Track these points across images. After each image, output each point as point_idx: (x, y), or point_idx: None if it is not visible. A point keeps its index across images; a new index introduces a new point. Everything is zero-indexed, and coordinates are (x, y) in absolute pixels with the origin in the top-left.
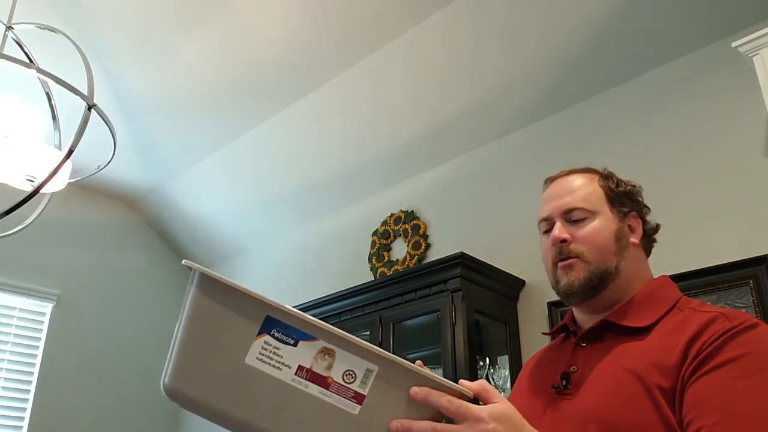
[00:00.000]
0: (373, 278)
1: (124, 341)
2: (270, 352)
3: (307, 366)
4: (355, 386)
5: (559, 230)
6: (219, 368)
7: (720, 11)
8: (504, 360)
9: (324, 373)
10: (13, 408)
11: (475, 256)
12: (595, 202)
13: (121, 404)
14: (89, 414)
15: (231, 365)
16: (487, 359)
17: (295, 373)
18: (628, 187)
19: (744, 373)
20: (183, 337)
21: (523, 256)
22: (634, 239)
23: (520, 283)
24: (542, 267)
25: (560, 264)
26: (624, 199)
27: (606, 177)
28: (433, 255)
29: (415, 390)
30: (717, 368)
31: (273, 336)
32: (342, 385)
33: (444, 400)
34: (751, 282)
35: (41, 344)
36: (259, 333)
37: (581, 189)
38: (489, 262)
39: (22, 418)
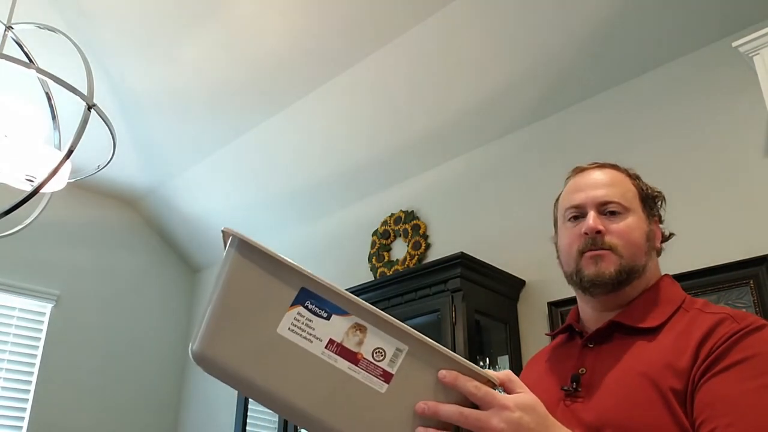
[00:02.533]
0: (373, 278)
1: (123, 341)
2: (302, 323)
3: (338, 340)
4: (383, 364)
5: (595, 221)
6: (250, 336)
7: (720, 11)
8: (504, 360)
9: (354, 349)
10: (12, 408)
11: (475, 256)
12: (631, 200)
13: (121, 404)
14: (89, 414)
15: (262, 334)
16: (487, 359)
17: (326, 347)
18: (655, 193)
19: (754, 374)
20: (217, 303)
21: (523, 256)
22: (657, 243)
23: (520, 283)
24: (542, 267)
25: (589, 253)
26: (652, 202)
27: (636, 178)
28: (433, 255)
29: (443, 373)
30: (727, 369)
31: (306, 308)
32: (371, 362)
33: (471, 386)
34: (751, 282)
35: (41, 344)
36: (293, 304)
37: (618, 185)
38: (489, 262)
39: (21, 418)
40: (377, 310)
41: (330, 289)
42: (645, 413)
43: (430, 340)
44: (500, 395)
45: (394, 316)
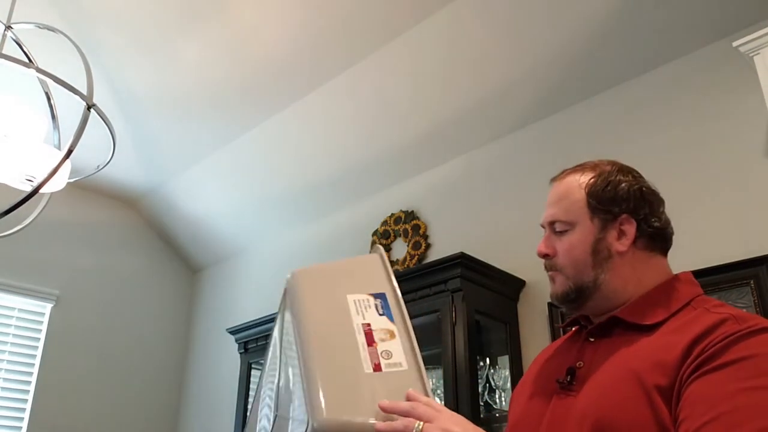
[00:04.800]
0: None
1: (123, 341)
2: (363, 305)
3: (372, 327)
4: (382, 360)
5: (543, 243)
6: (333, 286)
7: (720, 11)
8: (504, 360)
9: (375, 339)
10: (12, 408)
11: (475, 256)
12: (575, 213)
13: (121, 404)
14: (88, 414)
15: (338, 290)
16: (487, 359)
17: (361, 324)
18: (620, 186)
19: (745, 375)
20: (340, 261)
21: (523, 256)
22: (621, 246)
23: (520, 283)
24: (542, 267)
25: (549, 274)
26: (609, 204)
27: (597, 177)
28: (433, 255)
29: (383, 404)
30: (718, 369)
31: (375, 300)
32: (376, 353)
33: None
34: (751, 282)
35: (40, 344)
36: (371, 294)
37: (564, 198)
38: (489, 262)
39: (21, 419)
40: (413, 334)
41: (398, 304)
42: (625, 409)
43: (428, 384)
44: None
45: None
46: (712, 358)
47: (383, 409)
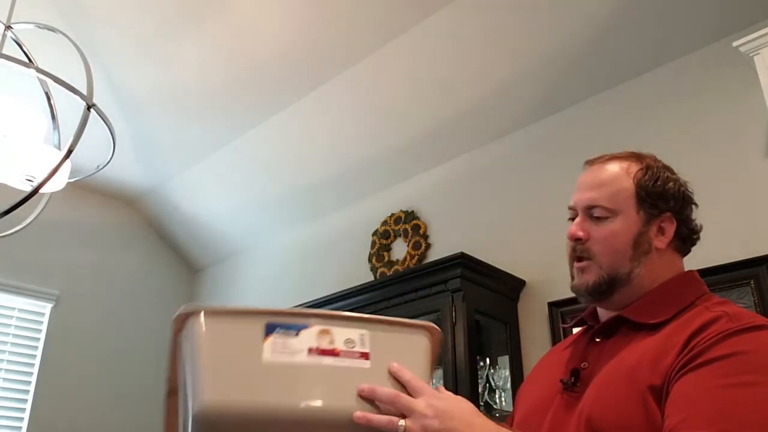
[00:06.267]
0: (373, 278)
1: (123, 341)
2: (280, 346)
3: (315, 346)
4: (357, 349)
5: (577, 226)
6: (244, 373)
7: (720, 11)
8: (504, 360)
9: (330, 347)
10: (12, 408)
11: (475, 256)
12: (621, 201)
13: (121, 404)
14: (88, 414)
15: (253, 367)
16: (487, 359)
17: (308, 354)
18: (668, 185)
19: (729, 372)
20: (204, 361)
21: (523, 256)
22: (660, 243)
23: (520, 283)
24: (542, 267)
25: (575, 264)
26: (657, 199)
27: (645, 169)
28: (433, 255)
29: (362, 388)
30: (703, 365)
31: (277, 335)
32: (347, 351)
33: (392, 394)
34: (752, 282)
35: (40, 344)
36: (266, 336)
37: (610, 184)
38: (489, 262)
39: (21, 419)
40: (329, 312)
41: (286, 314)
42: (618, 409)
43: (376, 317)
44: (416, 403)
45: (394, 316)
46: (698, 355)
47: (361, 392)
